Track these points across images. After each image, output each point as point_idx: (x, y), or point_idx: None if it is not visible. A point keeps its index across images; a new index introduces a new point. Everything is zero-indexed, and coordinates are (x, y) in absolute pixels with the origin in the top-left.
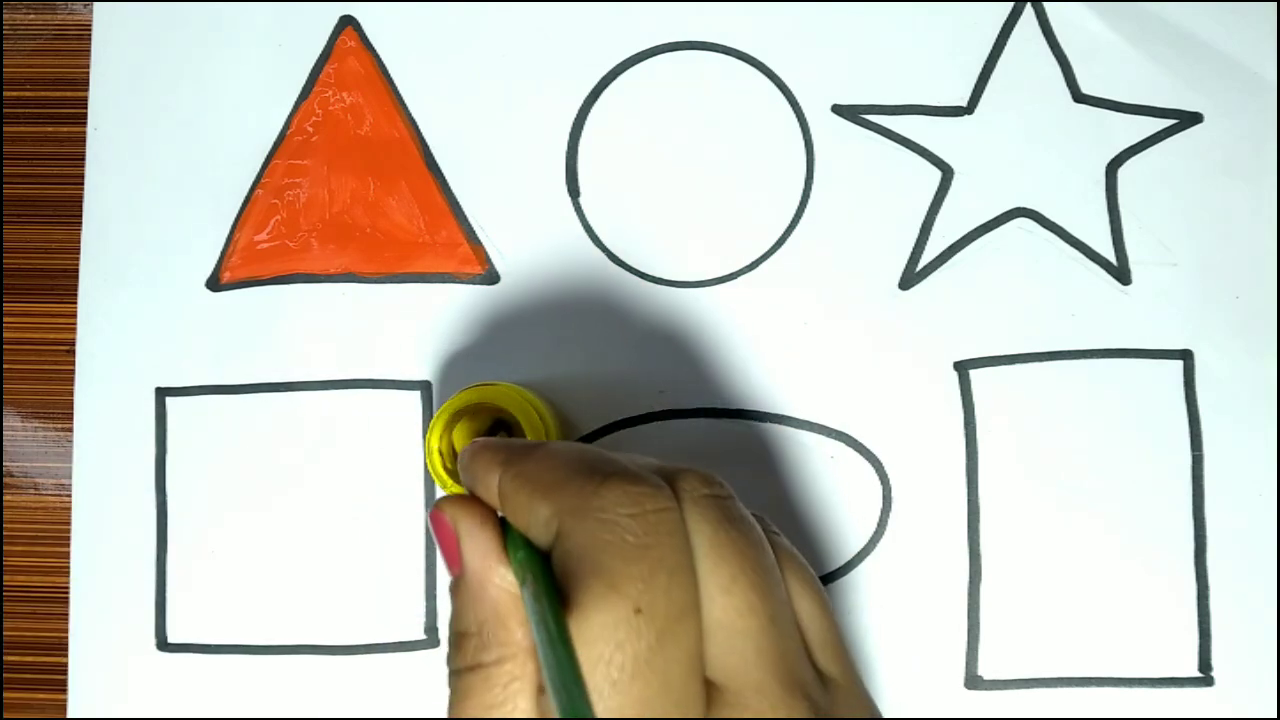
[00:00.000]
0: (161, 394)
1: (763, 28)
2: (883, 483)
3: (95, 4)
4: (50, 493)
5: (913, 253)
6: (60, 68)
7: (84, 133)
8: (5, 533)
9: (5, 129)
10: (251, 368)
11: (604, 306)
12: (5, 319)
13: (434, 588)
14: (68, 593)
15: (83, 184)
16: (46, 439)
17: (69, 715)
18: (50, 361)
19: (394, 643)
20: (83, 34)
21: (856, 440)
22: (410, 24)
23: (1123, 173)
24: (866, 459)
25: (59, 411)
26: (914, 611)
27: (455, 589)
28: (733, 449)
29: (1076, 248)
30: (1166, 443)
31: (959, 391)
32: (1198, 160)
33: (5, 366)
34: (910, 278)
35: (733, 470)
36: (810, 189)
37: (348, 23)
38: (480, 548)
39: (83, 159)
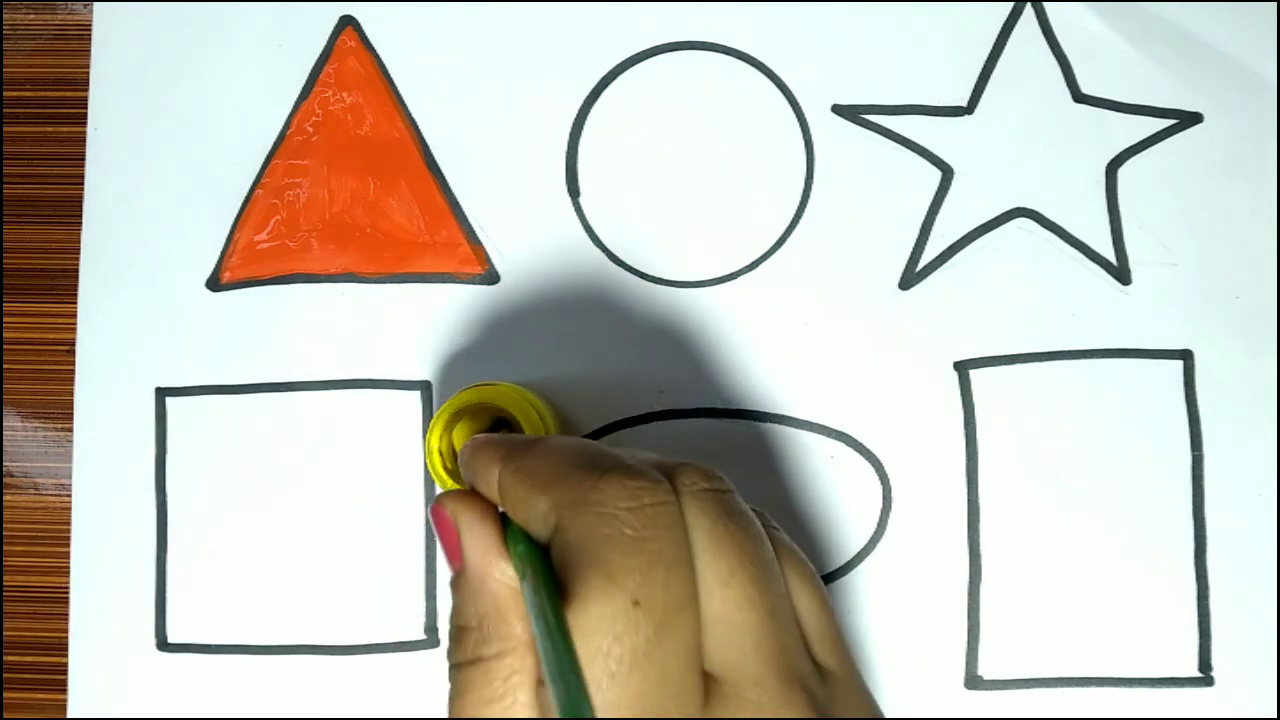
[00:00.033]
0: (161, 394)
1: (763, 28)
2: (883, 483)
3: (95, 4)
4: (50, 493)
5: (913, 253)
6: (60, 68)
7: (84, 133)
8: (5, 533)
9: (5, 129)
10: (251, 368)
11: (604, 306)
12: (5, 319)
13: (434, 588)
14: (68, 593)
15: (83, 184)
16: (46, 439)
17: (69, 715)
18: (50, 361)
19: (394, 643)
20: (83, 34)
21: (856, 440)
22: (410, 24)
23: (1123, 173)
24: (866, 459)
25: (59, 411)
26: (914, 611)
27: (456, 583)
28: (733, 449)
29: (1076, 248)
30: (1166, 443)
31: (959, 391)
32: (1198, 160)
33: (5, 366)
34: (910, 278)
35: (733, 470)
36: (810, 189)
37: (348, 23)
38: (480, 542)
39: (83, 159)
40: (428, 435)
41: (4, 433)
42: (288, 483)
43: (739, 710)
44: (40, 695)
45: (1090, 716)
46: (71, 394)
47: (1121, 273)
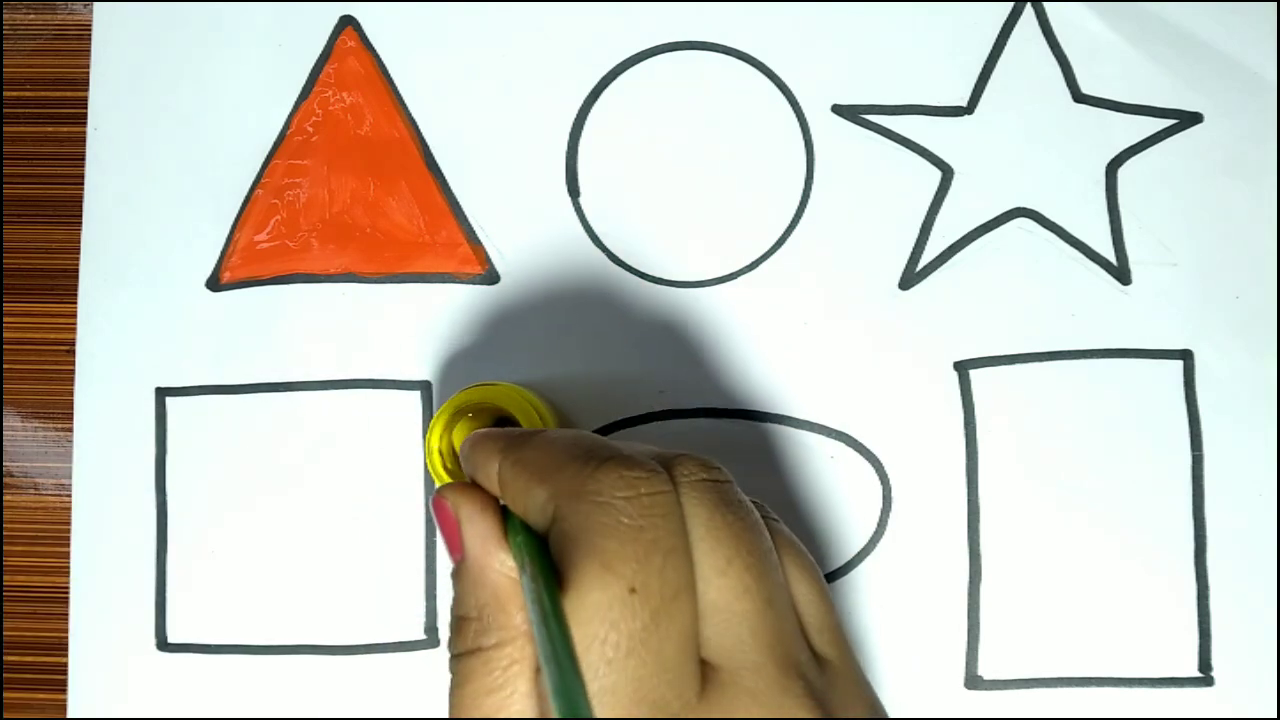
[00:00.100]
0: (161, 394)
1: (763, 28)
2: (883, 483)
3: (95, 4)
4: (50, 493)
5: (913, 253)
6: (60, 68)
7: (84, 133)
8: (5, 533)
9: (5, 129)
10: (251, 368)
11: (604, 306)
12: (5, 319)
13: (434, 588)
14: (68, 593)
15: (83, 184)
16: (46, 439)
17: (69, 715)
18: (50, 361)
19: (394, 643)
20: (83, 34)
21: (856, 440)
22: (410, 24)
23: (1123, 173)
24: (866, 459)
25: (59, 411)
26: (914, 611)
27: (456, 574)
28: (733, 449)
29: (1076, 248)
30: (1166, 443)
31: (959, 391)
32: (1198, 160)
33: (5, 366)
34: (910, 278)
35: (733, 469)
36: (810, 189)
37: (348, 23)
38: (481, 533)
39: (83, 159)
40: (428, 435)
41: (4, 433)
42: (288, 483)
43: (735, 697)
44: (40, 695)
45: (1090, 716)
46: (71, 394)
47: (1121, 273)
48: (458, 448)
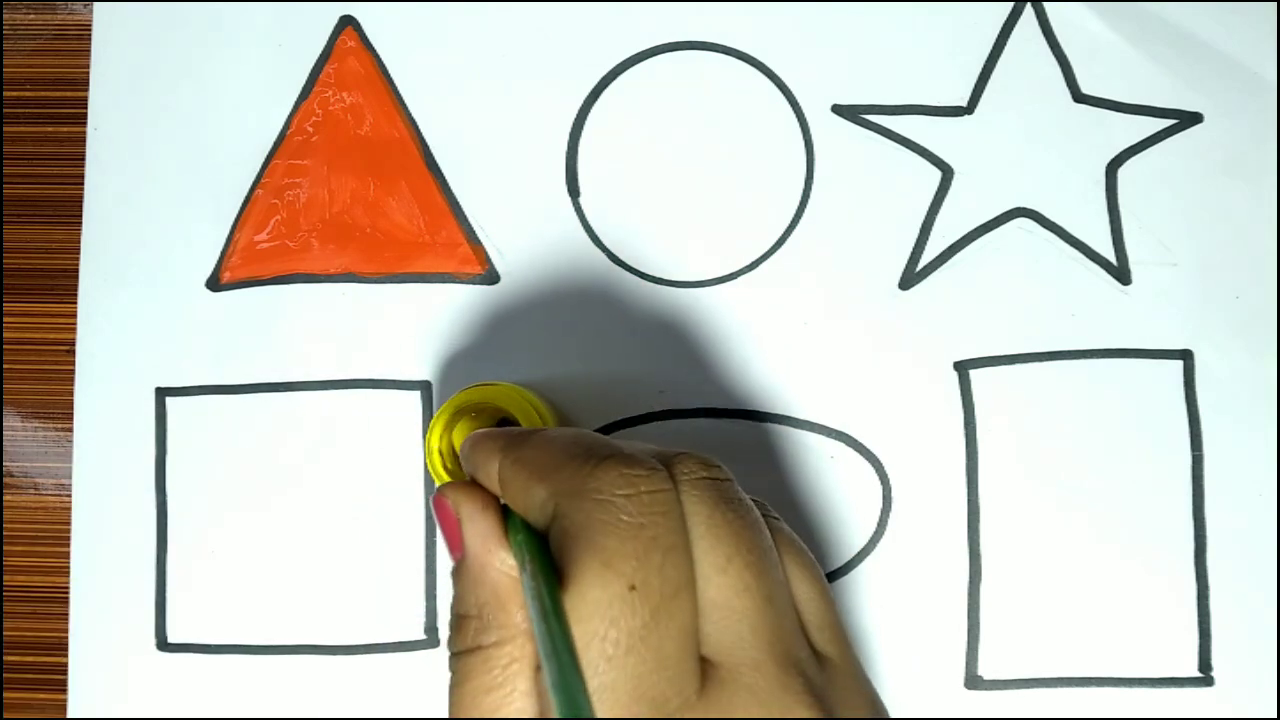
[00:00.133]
0: (161, 394)
1: (763, 28)
2: (883, 483)
3: (95, 4)
4: (50, 493)
5: (913, 253)
6: (60, 68)
7: (84, 133)
8: (5, 533)
9: (5, 129)
10: (251, 368)
11: (604, 306)
12: (5, 319)
13: (434, 588)
14: (68, 593)
15: (83, 184)
16: (46, 439)
17: (69, 715)
18: (50, 361)
19: (394, 643)
20: (83, 34)
21: (856, 440)
22: (410, 24)
23: (1123, 173)
24: (866, 459)
25: (59, 411)
26: (914, 611)
27: (456, 573)
28: (733, 449)
29: (1076, 248)
30: (1166, 443)
31: (959, 391)
32: (1198, 160)
33: (5, 366)
34: (910, 278)
35: (733, 469)
36: (810, 189)
37: (348, 23)
38: (481, 531)
39: (83, 159)
40: (428, 435)
41: (4, 433)
42: (288, 483)
43: (735, 694)
44: (40, 695)
45: (1090, 716)
46: (71, 394)
47: (1121, 273)
48: (458, 448)
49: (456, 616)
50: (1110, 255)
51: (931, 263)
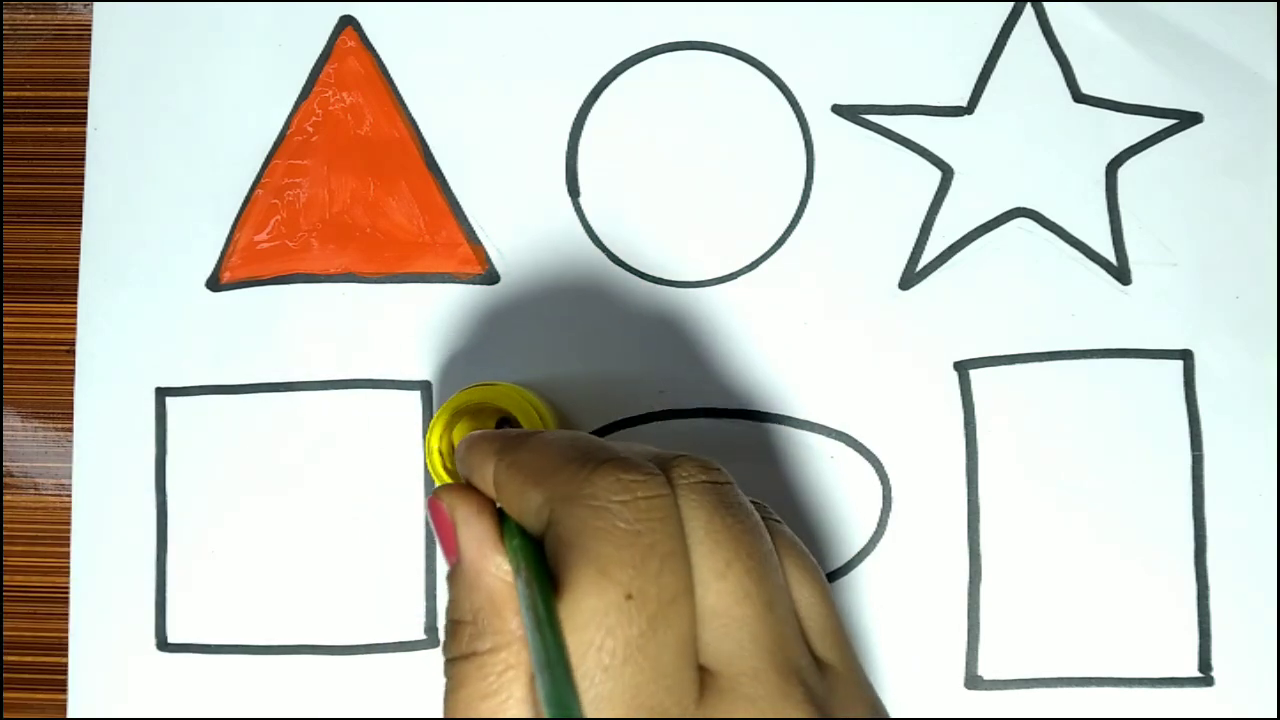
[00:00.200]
0: (161, 394)
1: (763, 28)
2: (883, 483)
3: (95, 4)
4: (50, 493)
5: (913, 253)
6: (60, 68)
7: (84, 133)
8: (5, 533)
9: (5, 129)
10: (251, 368)
11: (604, 306)
12: (5, 319)
13: (434, 588)
14: (68, 593)
15: (83, 184)
16: (46, 439)
17: (69, 715)
18: (50, 361)
19: (394, 643)
20: (83, 34)
21: (856, 440)
22: (410, 24)
23: (1123, 173)
24: (866, 459)
25: (59, 411)
26: (914, 611)
27: (451, 578)
28: (733, 449)
29: (1076, 248)
30: (1166, 443)
31: (959, 391)
32: (1198, 160)
33: (5, 366)
34: (910, 278)
35: (733, 470)
36: (810, 189)
37: (348, 23)
38: (476, 536)
39: (83, 159)
40: (428, 435)
41: (4, 433)
42: (288, 483)
43: (734, 704)
44: (40, 695)
45: (1090, 716)
46: (71, 394)
47: (1121, 273)
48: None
49: (451, 622)
50: (1110, 255)
51: (931, 263)
